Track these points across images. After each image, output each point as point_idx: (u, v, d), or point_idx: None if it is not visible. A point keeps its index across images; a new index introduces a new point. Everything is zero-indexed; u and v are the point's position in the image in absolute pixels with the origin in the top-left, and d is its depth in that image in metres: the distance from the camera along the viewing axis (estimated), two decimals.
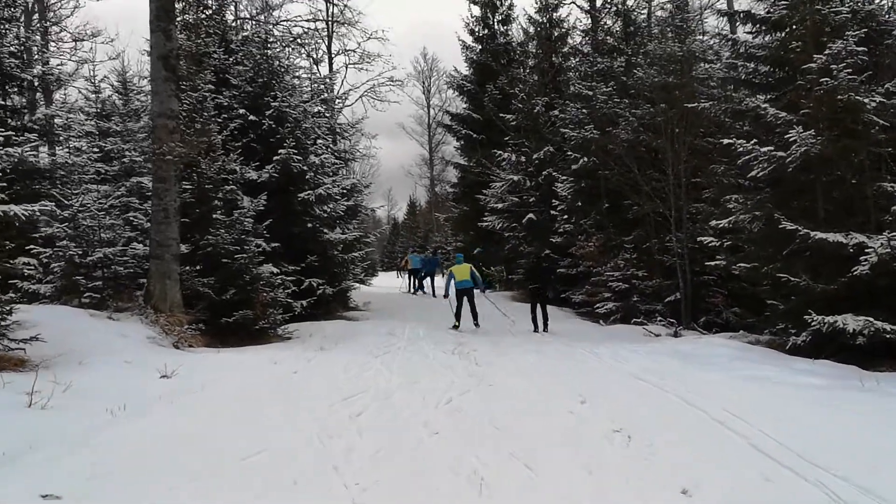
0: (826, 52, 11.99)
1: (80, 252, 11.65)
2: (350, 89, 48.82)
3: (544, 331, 16.28)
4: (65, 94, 21.90)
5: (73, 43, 26.02)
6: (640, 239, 19.92)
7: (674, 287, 18.24)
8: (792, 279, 11.87)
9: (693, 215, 18.03)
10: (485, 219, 27.98)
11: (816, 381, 8.82)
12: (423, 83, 59.34)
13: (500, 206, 27.05)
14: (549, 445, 5.86)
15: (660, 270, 19.10)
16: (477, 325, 16.58)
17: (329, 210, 17.34)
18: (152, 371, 8.59)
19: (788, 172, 12.41)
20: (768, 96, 15.24)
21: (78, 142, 19.27)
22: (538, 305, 16.80)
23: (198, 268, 12.98)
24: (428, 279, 29.61)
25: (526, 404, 7.57)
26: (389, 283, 38.03)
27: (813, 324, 11.05)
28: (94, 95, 20.24)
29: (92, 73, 20.57)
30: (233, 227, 13.42)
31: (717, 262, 14.34)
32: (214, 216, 13.41)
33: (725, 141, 13.46)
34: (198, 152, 13.03)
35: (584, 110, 22.35)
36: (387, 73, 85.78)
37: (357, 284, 22.41)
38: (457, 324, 16.64)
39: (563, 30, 29.35)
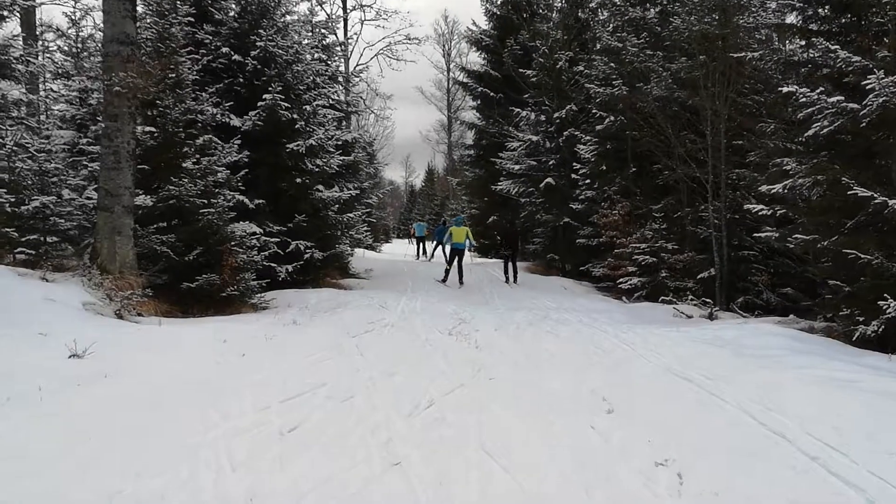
0: None
1: (13, 200, 9.79)
2: (366, 47, 46.79)
3: (514, 282, 19.49)
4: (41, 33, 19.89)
5: None
6: (670, 208, 17.88)
7: (707, 262, 16.25)
8: (862, 256, 9.86)
9: (734, 182, 15.95)
10: (500, 183, 25.98)
11: None
12: (444, 46, 57.54)
13: (516, 168, 25.01)
14: (561, 489, 3.96)
15: (692, 243, 17.09)
16: (462, 283, 18.53)
17: (321, 164, 15.35)
18: (63, 348, 6.71)
19: (861, 128, 10.35)
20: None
21: (53, 83, 17.45)
22: (509, 264, 19.86)
23: (158, 224, 11.09)
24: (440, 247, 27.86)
25: (533, 412, 5.65)
26: (403, 250, 36.30)
27: (889, 311, 9.09)
28: (72, 31, 18.29)
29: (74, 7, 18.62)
30: (202, 177, 11.49)
31: (768, 234, 12.24)
32: (184, 164, 11.47)
33: (785, 89, 11.32)
34: (159, 87, 11.07)
35: (612, 64, 20.18)
36: (404, 30, 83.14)
37: (351, 249, 20.45)
38: (445, 278, 18.87)
39: None
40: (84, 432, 4.47)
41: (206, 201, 11.16)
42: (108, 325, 8.41)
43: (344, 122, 21.30)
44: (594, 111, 20.61)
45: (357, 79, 23.28)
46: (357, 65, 33.68)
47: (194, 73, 12.28)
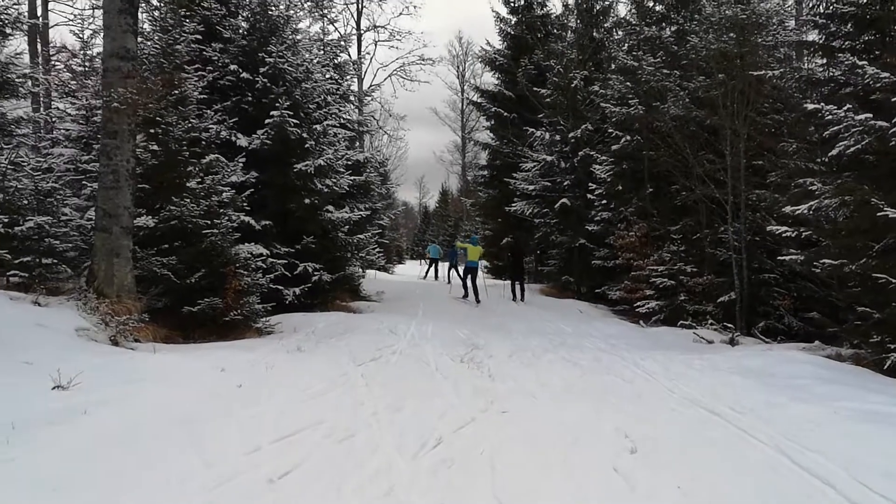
0: None
1: (6, 220, 9.41)
2: (379, 67, 46.75)
3: (521, 300, 20.17)
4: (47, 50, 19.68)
5: None
6: (689, 229, 17.39)
7: (727, 286, 15.75)
8: (892, 280, 9.36)
9: (754, 203, 15.45)
10: (514, 204, 25.53)
11: None
12: (458, 67, 57.47)
13: (530, 188, 24.57)
14: None
15: (711, 266, 16.59)
16: (478, 301, 19.34)
17: (331, 185, 14.95)
18: (48, 379, 6.28)
19: (890, 147, 9.87)
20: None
21: (61, 101, 17.16)
22: (516, 284, 20.56)
23: (159, 246, 10.69)
24: (453, 270, 27.47)
25: (550, 451, 5.17)
26: (416, 271, 35.85)
27: None
28: (80, 49, 18.00)
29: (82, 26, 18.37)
30: (206, 197, 11.10)
31: (792, 258, 11.72)
32: (188, 184, 11.08)
33: (810, 106, 10.87)
34: (162, 104, 10.72)
35: (628, 83, 19.77)
36: (418, 50, 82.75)
37: (363, 270, 20.01)
38: (466, 294, 19.85)
39: (607, 2, 26.72)
40: (46, 483, 4.01)
41: (209, 222, 10.76)
42: (101, 352, 7.98)
43: (357, 143, 20.92)
44: (610, 130, 20.21)
45: (369, 98, 22.90)
46: (370, 85, 33.43)
47: (199, 90, 11.89)
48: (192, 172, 11.33)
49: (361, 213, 16.82)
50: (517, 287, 20.36)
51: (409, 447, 5.07)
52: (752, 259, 15.55)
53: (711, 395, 7.56)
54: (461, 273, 20.98)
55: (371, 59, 40.27)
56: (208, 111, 12.18)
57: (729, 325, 13.86)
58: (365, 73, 34.03)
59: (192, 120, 11.55)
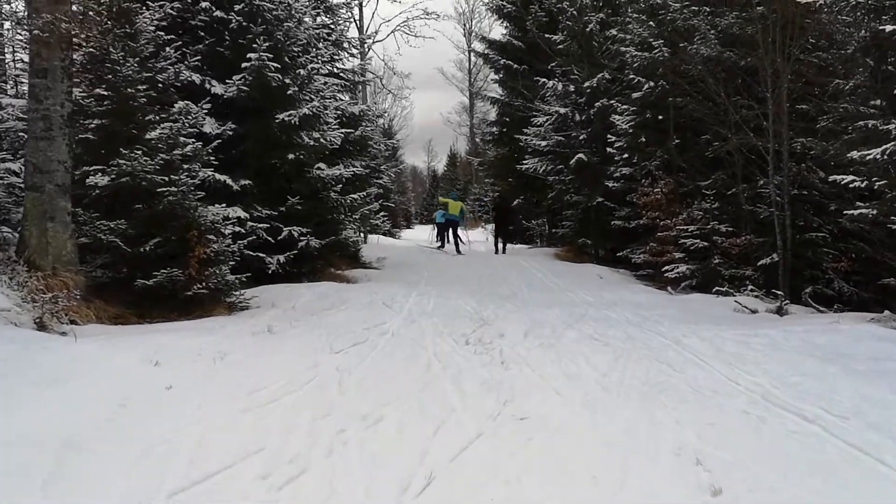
0: None
1: None
2: (382, 22, 44.62)
3: (503, 252, 22.44)
4: None
5: None
6: (722, 184, 15.51)
7: (768, 246, 13.97)
8: None
9: (799, 152, 13.64)
10: (525, 161, 23.71)
11: None
12: (465, 25, 54.97)
13: (543, 144, 22.72)
14: None
15: (749, 224, 14.78)
16: (459, 252, 21.77)
17: (319, 138, 13.15)
18: None
19: None
20: None
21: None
22: (499, 239, 23.09)
23: (116, 208, 9.01)
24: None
25: (590, 488, 3.49)
26: (424, 236, 33.99)
27: None
28: None
29: None
30: (167, 150, 9.35)
31: (861, 212, 9.93)
32: (148, 135, 9.33)
33: (888, 28, 9.00)
34: (106, 36, 8.95)
35: (651, 23, 17.83)
36: (421, 3, 79.74)
37: (362, 235, 18.29)
38: (440, 245, 23.58)
39: None
40: None
41: (166, 178, 9.02)
42: (14, 340, 6.31)
43: (357, 95, 19.04)
44: (631, 76, 18.26)
45: (369, 42, 20.94)
46: (370, 35, 31.17)
47: (155, 23, 10.03)
48: (152, 122, 9.58)
49: (355, 169, 14.97)
50: (499, 242, 22.96)
51: (384, 492, 3.39)
52: (796, 216, 13.76)
53: (787, 387, 5.84)
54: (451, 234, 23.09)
55: (373, 14, 38.28)
56: (168, 49, 10.31)
57: (777, 292, 12.08)
58: (367, 28, 32.05)
59: (148, 60, 9.76)
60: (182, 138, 9.80)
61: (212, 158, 10.22)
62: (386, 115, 38.82)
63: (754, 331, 8.94)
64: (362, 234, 25.92)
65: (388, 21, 34.33)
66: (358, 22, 30.64)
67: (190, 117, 9.82)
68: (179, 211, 9.23)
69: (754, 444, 4.40)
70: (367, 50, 21.58)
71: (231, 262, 10.06)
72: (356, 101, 19.36)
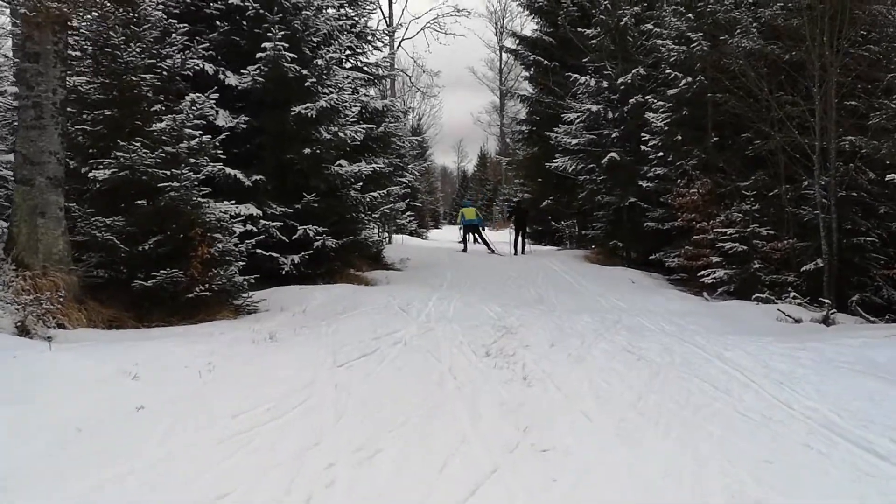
0: None
1: None
2: (412, 20, 44.10)
3: (522, 253, 22.36)
4: None
5: None
6: (763, 184, 14.64)
7: (812, 251, 13.12)
8: None
9: (850, 151, 12.77)
10: (555, 160, 22.94)
11: None
12: (496, 24, 54.22)
13: (573, 143, 21.92)
14: None
15: (792, 228, 13.92)
16: (491, 251, 22.83)
17: (336, 132, 12.50)
18: None
19: None
20: None
21: None
22: (519, 238, 22.69)
23: (118, 204, 8.43)
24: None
25: None
26: (452, 236, 33.33)
27: None
28: None
29: None
30: (172, 143, 8.76)
31: None
32: (154, 127, 8.74)
33: None
34: (106, 20, 8.37)
35: (689, 15, 17.00)
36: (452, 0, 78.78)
37: (385, 235, 17.60)
38: (464, 248, 23.68)
39: None
40: None
41: (167, 173, 8.42)
42: None
43: (386, 89, 18.28)
44: (667, 71, 17.43)
45: (396, 37, 20.18)
46: (398, 24, 30.39)
47: (159, 6, 9.43)
48: (157, 113, 8.99)
49: (375, 165, 14.26)
50: (519, 241, 22.69)
51: None
52: (843, 219, 12.91)
53: (849, 414, 5.09)
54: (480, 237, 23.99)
55: (403, 11, 37.60)
56: (175, 35, 9.69)
57: (824, 301, 11.25)
58: (397, 23, 31.40)
59: (154, 46, 9.16)
60: (189, 130, 9.20)
61: (219, 152, 9.59)
62: (414, 113, 38.14)
63: (802, 344, 8.14)
64: (386, 234, 25.31)
65: (419, 18, 33.67)
66: (386, 18, 30.20)
67: (195, 107, 9.18)
68: (182, 207, 8.64)
69: (823, 489, 3.67)
70: (395, 47, 20.78)
71: (240, 263, 9.47)
72: (383, 95, 18.64)
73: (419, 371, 6.04)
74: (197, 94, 10.12)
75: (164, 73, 9.33)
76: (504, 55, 46.33)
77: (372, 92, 18.72)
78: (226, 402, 4.66)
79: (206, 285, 8.56)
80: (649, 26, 19.83)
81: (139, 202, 8.45)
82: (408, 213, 29.89)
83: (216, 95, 10.37)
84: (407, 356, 6.57)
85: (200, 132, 9.36)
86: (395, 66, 25.38)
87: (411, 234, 32.36)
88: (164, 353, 5.90)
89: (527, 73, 30.14)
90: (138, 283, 8.17)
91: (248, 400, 4.71)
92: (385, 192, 14.55)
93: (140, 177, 8.35)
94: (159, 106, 9.04)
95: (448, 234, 38.69)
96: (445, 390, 5.47)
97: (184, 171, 8.44)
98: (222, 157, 9.81)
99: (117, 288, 8.40)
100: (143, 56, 8.69)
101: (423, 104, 50.42)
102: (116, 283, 8.43)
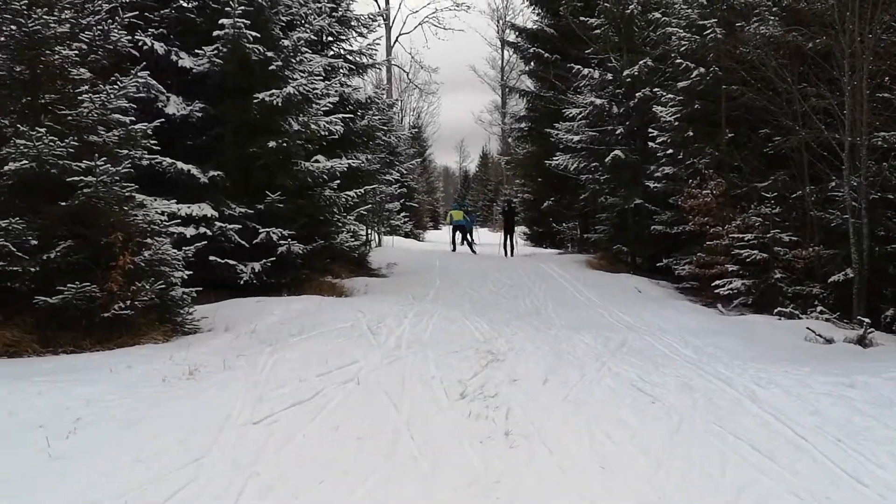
0: None
1: None
2: (409, 14, 42.68)
3: (511, 255, 22.51)
4: None
5: None
6: (784, 185, 13.16)
7: (841, 260, 11.67)
8: None
9: (884, 148, 11.33)
10: (555, 158, 21.50)
11: None
12: (497, 22, 52.88)
13: (575, 140, 20.45)
14: None
15: (817, 234, 12.45)
16: (473, 252, 23.42)
17: (304, 122, 11.01)
18: None
19: None
20: None
21: None
22: (507, 240, 23.10)
23: (18, 203, 6.98)
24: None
25: None
26: (448, 238, 31.96)
27: None
28: None
29: None
30: (92, 129, 7.30)
31: None
32: (77, 110, 7.29)
33: None
34: None
35: (702, 1, 15.56)
36: None
37: (357, 238, 16.08)
38: (453, 248, 24.36)
39: None
40: None
41: (81, 166, 6.95)
42: None
43: (383, 84, 16.86)
44: (678, 61, 15.97)
45: (386, 15, 18.66)
46: (384, 10, 28.81)
47: None
48: (81, 94, 7.52)
49: (352, 161, 12.75)
50: (508, 243, 23.05)
51: None
52: (875, 224, 11.45)
53: None
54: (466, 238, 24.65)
55: (400, 5, 36.27)
56: (100, 2, 8.17)
57: (862, 319, 9.78)
58: (394, 19, 29.96)
59: (72, 16, 7.67)
60: (118, 116, 7.73)
61: (153, 142, 8.09)
62: (412, 110, 36.76)
63: (849, 377, 6.64)
64: (375, 236, 23.95)
65: (416, 12, 32.25)
66: (380, 4, 28.75)
67: (118, 86, 7.68)
68: (103, 208, 7.17)
69: None
70: (392, 41, 19.30)
71: (179, 273, 7.99)
72: (376, 86, 17.18)
73: (366, 428, 4.54)
74: (144, 77, 8.65)
75: (86, 47, 7.83)
76: (506, 53, 44.98)
77: (358, 82, 17.31)
78: (56, 496, 3.18)
79: (128, 302, 7.08)
80: (657, 15, 18.39)
81: (62, 203, 7.01)
82: (402, 213, 28.53)
83: (145, 73, 8.69)
84: (354, 404, 5.04)
85: (131, 119, 7.89)
86: (391, 60, 24.04)
87: (406, 235, 30.99)
88: (20, 404, 4.42)
89: (527, 68, 28.75)
90: (41, 299, 6.70)
91: (95, 490, 3.23)
92: (362, 191, 13.03)
93: (49, 170, 6.89)
94: (83, 88, 7.58)
95: (447, 236, 37.37)
96: (397, 458, 4.01)
97: (100, 164, 6.94)
98: (156, 148, 8.29)
99: (22, 305, 6.94)
100: (53, 25, 7.19)
101: (421, 101, 49.07)
102: (23, 299, 6.97)
